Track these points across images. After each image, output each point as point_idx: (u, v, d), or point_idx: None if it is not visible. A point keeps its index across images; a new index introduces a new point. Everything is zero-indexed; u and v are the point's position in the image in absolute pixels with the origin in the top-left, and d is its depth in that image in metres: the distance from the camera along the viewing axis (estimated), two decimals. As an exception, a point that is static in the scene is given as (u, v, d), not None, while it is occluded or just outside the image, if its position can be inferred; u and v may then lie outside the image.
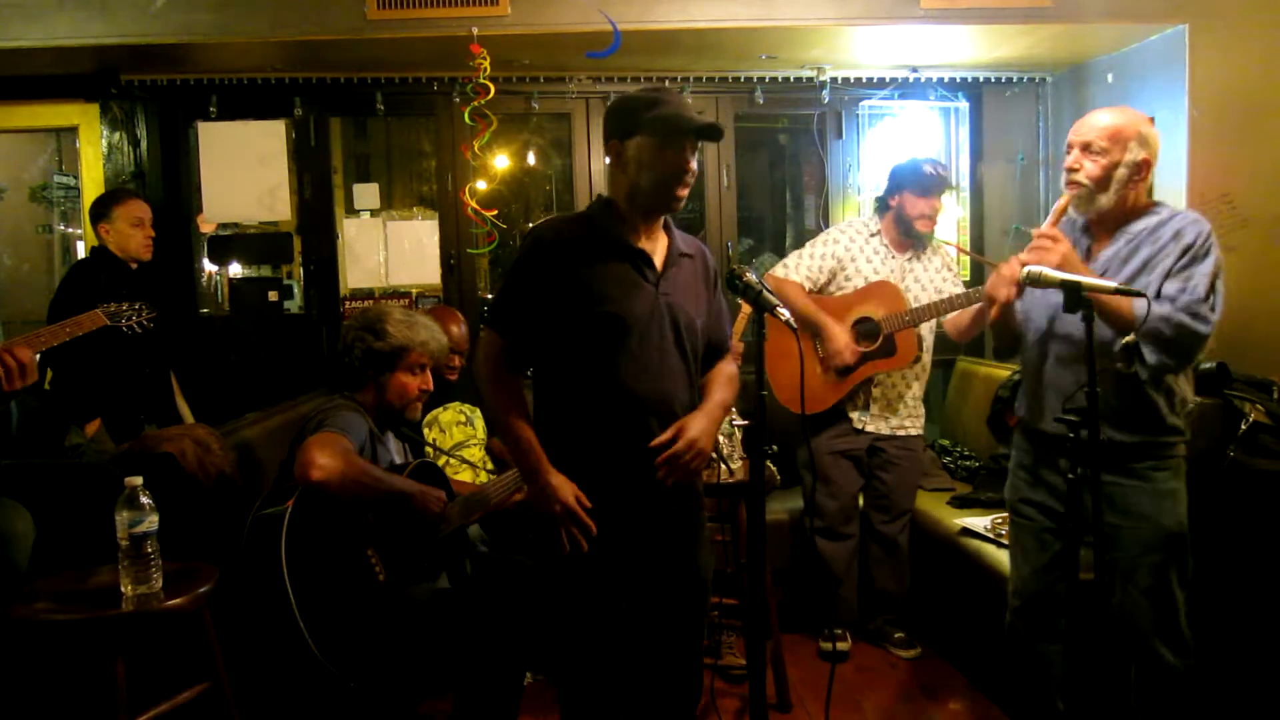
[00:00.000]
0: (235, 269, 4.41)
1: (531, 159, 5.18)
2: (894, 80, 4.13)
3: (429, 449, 2.90)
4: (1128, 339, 2.07)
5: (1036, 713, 2.42)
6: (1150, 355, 2.10)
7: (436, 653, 2.31)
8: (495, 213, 3.64)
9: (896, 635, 3.32)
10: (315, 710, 2.28)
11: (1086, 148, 2.21)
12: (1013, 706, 2.75)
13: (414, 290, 4.27)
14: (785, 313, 1.87)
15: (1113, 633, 2.18)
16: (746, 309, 3.21)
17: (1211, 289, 2.10)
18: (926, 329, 3.28)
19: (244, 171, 4.05)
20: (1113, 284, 2.01)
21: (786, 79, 4.14)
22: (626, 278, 1.97)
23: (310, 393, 3.58)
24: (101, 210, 3.35)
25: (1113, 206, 2.21)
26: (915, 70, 4.09)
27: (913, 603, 3.40)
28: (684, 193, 1.97)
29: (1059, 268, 2.07)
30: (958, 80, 4.19)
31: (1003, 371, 3.66)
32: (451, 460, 3.04)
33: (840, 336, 3.17)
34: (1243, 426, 2.77)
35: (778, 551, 3.49)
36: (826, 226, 3.76)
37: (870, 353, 3.21)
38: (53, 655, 2.26)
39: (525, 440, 1.97)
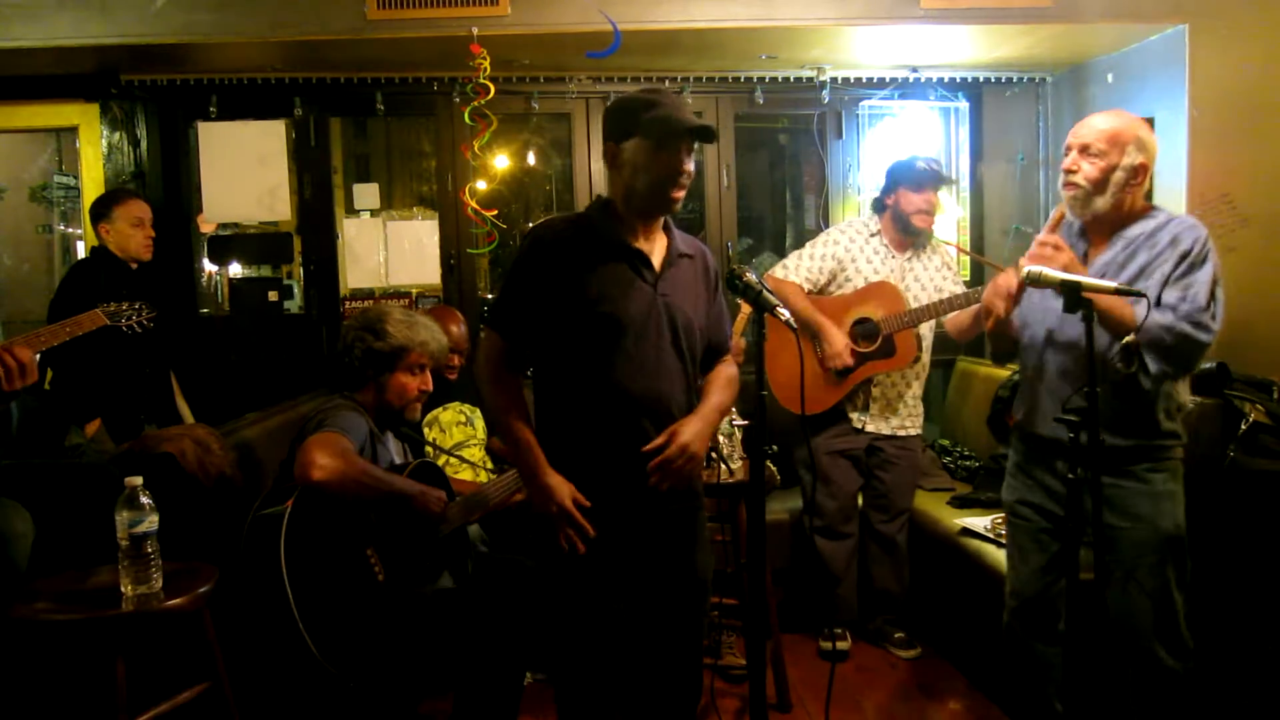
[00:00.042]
0: (235, 269, 4.41)
1: (531, 159, 5.18)
2: (894, 80, 4.13)
3: (429, 448, 2.90)
4: (1127, 339, 2.07)
5: (1035, 713, 2.42)
6: (1153, 364, 2.11)
7: (436, 653, 2.31)
8: (495, 213, 3.64)
9: (896, 635, 3.32)
10: (315, 710, 2.28)
11: (1085, 150, 2.21)
12: (1012, 707, 2.75)
13: (414, 290, 4.27)
14: (785, 313, 1.87)
15: (1111, 634, 2.19)
16: (746, 309, 3.21)
17: (1212, 297, 2.11)
18: (926, 329, 3.28)
19: (244, 171, 4.05)
20: (1113, 284, 2.01)
21: (786, 79, 4.14)
22: (623, 278, 1.97)
23: (310, 393, 3.58)
24: (102, 210, 3.35)
25: (1109, 209, 2.22)
26: (915, 70, 4.09)
27: (913, 603, 3.40)
28: (680, 194, 1.97)
29: None
30: (958, 80, 4.19)
31: (1003, 371, 3.66)
32: (451, 460, 3.04)
33: (838, 339, 3.17)
34: (1243, 426, 2.77)
35: (778, 551, 3.49)
36: (826, 226, 3.76)
37: (870, 353, 3.21)
38: (53, 655, 2.26)
39: (524, 440, 1.98)
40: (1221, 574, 2.67)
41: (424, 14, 3.35)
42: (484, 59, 3.39)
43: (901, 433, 3.32)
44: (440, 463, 2.80)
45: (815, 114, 4.25)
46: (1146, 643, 2.22)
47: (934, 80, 4.16)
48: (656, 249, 2.04)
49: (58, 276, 4.68)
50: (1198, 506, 2.35)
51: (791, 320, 1.87)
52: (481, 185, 3.94)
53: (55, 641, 2.20)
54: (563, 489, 1.95)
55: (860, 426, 3.29)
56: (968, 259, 4.23)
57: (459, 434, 3.17)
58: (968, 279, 4.00)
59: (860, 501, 3.39)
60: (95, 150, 3.99)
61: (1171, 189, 3.42)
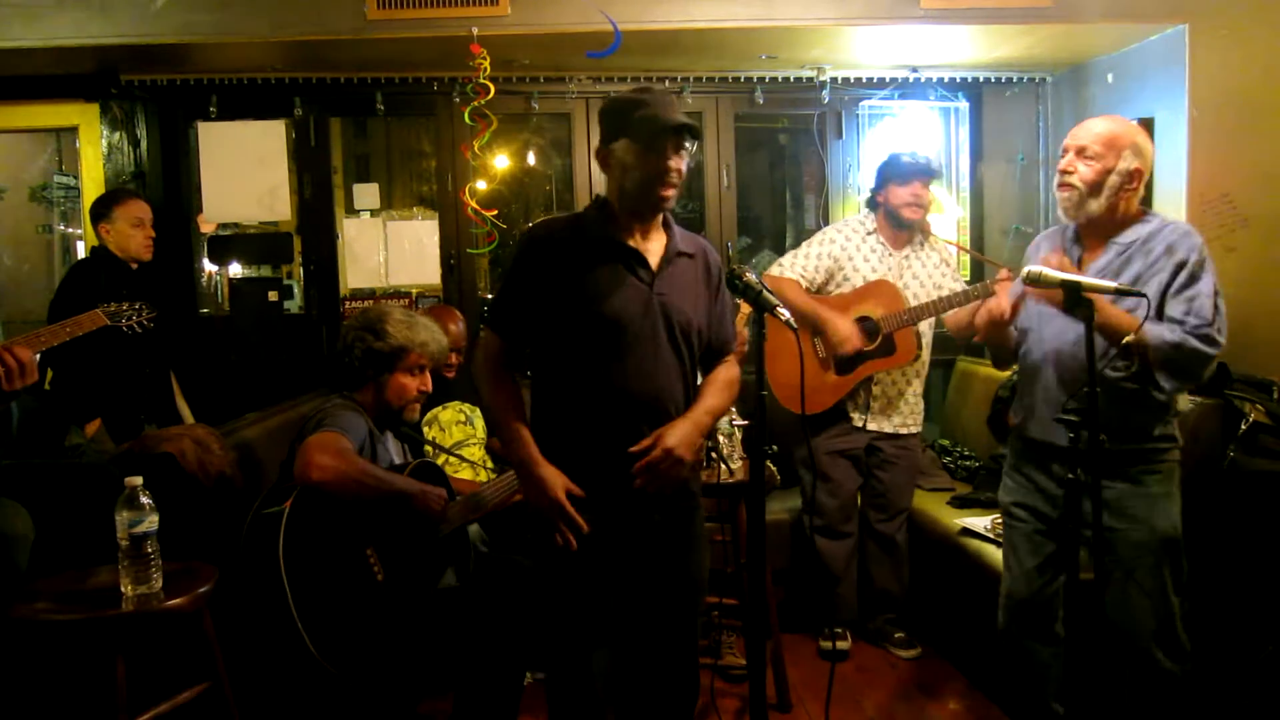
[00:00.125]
0: (235, 269, 4.41)
1: (531, 159, 5.18)
2: (894, 80, 4.13)
3: (428, 447, 2.90)
4: (1128, 339, 2.07)
5: (1033, 714, 2.42)
6: (1166, 382, 2.13)
7: (436, 652, 2.31)
8: (495, 213, 3.64)
9: (897, 635, 3.32)
10: (315, 710, 2.28)
11: (1081, 152, 2.22)
12: (1012, 707, 2.75)
13: (414, 290, 4.27)
14: (785, 312, 1.87)
15: (1109, 636, 2.19)
16: (746, 308, 3.21)
17: (1216, 308, 2.11)
18: (926, 326, 3.28)
19: (244, 171, 4.05)
20: (1113, 284, 2.01)
21: (786, 79, 4.14)
22: (619, 277, 1.97)
23: (310, 393, 3.58)
24: (102, 210, 3.35)
25: (1103, 213, 2.22)
26: (915, 70, 4.09)
27: (913, 603, 3.40)
28: (669, 193, 1.96)
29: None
30: (958, 80, 4.19)
31: (1003, 372, 3.66)
32: (451, 459, 3.04)
33: (842, 325, 3.17)
34: (1243, 426, 2.77)
35: (778, 551, 3.49)
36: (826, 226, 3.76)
37: (870, 352, 3.21)
38: (53, 655, 2.26)
39: (518, 435, 1.98)
40: (1221, 574, 2.68)
41: (424, 14, 3.35)
42: (484, 59, 3.39)
43: (903, 431, 3.32)
44: (440, 462, 2.80)
45: (815, 114, 4.25)
46: (1144, 645, 2.22)
47: (934, 80, 4.16)
48: (655, 248, 2.04)
49: (58, 276, 4.68)
50: (1198, 507, 2.36)
51: (791, 320, 1.87)
52: (481, 185, 3.94)
53: (55, 641, 2.20)
54: (556, 481, 1.94)
55: (861, 425, 3.29)
56: (968, 258, 4.23)
57: (459, 433, 3.17)
58: (968, 278, 4.00)
59: (859, 501, 3.39)
60: (95, 150, 3.99)
61: (1171, 189, 3.42)
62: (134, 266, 3.39)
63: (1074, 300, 1.96)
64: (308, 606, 2.05)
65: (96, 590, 2.07)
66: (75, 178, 4.37)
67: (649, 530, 2.04)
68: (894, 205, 3.22)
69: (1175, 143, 3.40)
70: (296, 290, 4.47)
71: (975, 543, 3.03)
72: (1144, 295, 2.02)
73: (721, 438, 2.67)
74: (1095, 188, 2.20)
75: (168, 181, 4.08)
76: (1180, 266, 2.14)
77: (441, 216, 4.20)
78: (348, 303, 4.19)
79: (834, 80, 4.09)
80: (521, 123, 4.60)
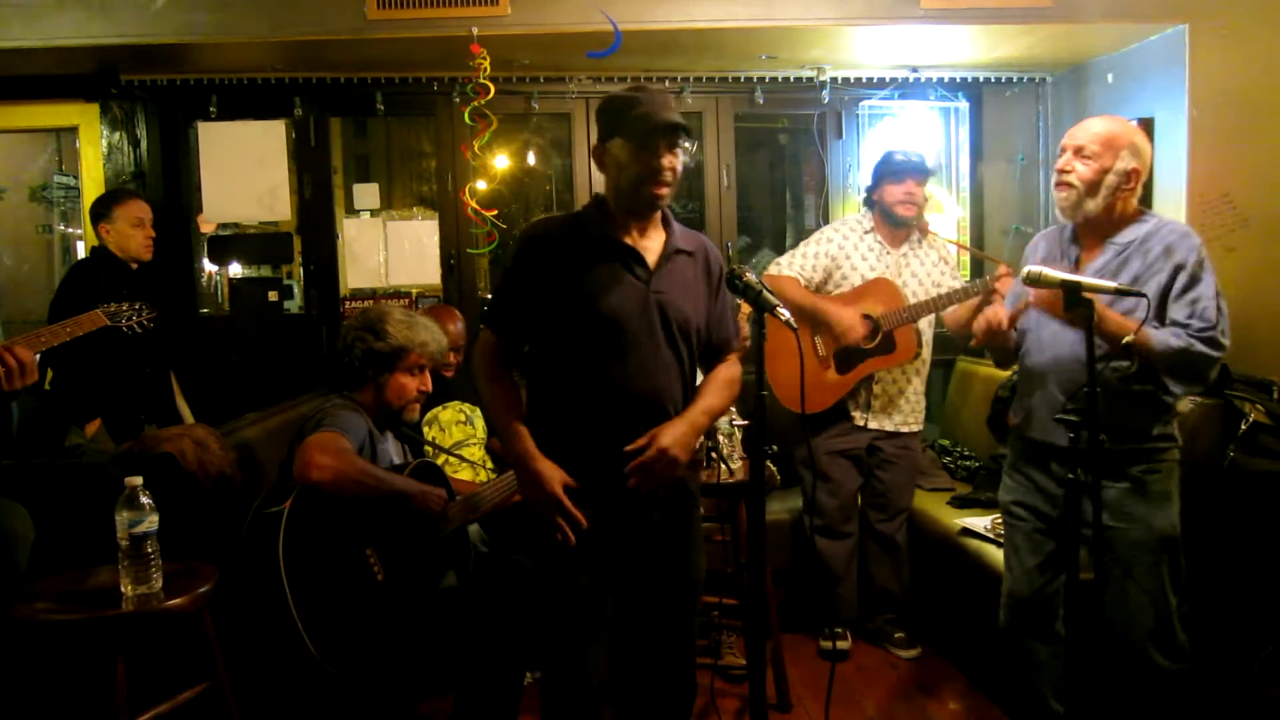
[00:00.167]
0: (235, 269, 4.41)
1: (531, 159, 5.18)
2: (894, 80, 4.13)
3: (428, 447, 2.90)
4: (1128, 339, 2.07)
5: (1033, 713, 2.42)
6: (1175, 386, 2.14)
7: (436, 652, 2.31)
8: (495, 213, 3.64)
9: (897, 635, 3.32)
10: (315, 710, 2.28)
11: (1079, 151, 2.22)
12: (1012, 706, 2.75)
13: (414, 290, 4.27)
14: (785, 312, 1.87)
15: (1107, 635, 2.19)
16: (746, 308, 3.21)
17: (1219, 310, 2.11)
18: (925, 324, 3.29)
19: (244, 171, 4.04)
20: (1112, 285, 2.01)
21: (786, 79, 4.14)
22: (615, 275, 1.97)
23: (310, 393, 3.58)
24: (102, 210, 3.35)
25: (1100, 213, 2.22)
26: (915, 70, 4.09)
27: (913, 603, 3.40)
28: (663, 191, 1.96)
29: None
30: (958, 80, 4.19)
31: (1003, 372, 3.65)
32: (451, 459, 3.04)
33: (845, 315, 3.17)
34: (1243, 426, 2.77)
35: (778, 551, 3.49)
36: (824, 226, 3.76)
37: (869, 350, 3.21)
38: (53, 655, 2.25)
39: (516, 433, 1.98)
40: (1221, 574, 2.68)
41: (424, 14, 3.35)
42: (484, 59, 3.39)
43: (904, 429, 3.32)
44: (440, 462, 2.80)
45: (815, 114, 4.25)
46: (1140, 643, 2.22)
47: (934, 80, 4.16)
48: (653, 245, 2.03)
49: (58, 276, 4.68)
50: (1198, 506, 2.36)
51: (791, 320, 1.87)
52: (481, 185, 3.93)
53: (55, 641, 2.20)
54: (553, 475, 1.94)
55: (863, 424, 3.29)
56: (967, 257, 4.23)
57: (458, 433, 3.17)
58: (968, 277, 4.00)
59: (859, 501, 3.39)
60: (95, 150, 3.99)
61: (1171, 189, 3.42)
62: (134, 266, 3.39)
63: (1074, 301, 1.96)
64: (307, 606, 2.05)
65: (96, 590, 2.07)
66: (75, 178, 4.37)
67: (647, 529, 2.04)
68: (888, 203, 3.24)
69: (1175, 143, 3.40)
70: (296, 290, 4.47)
71: (975, 543, 3.03)
72: (1144, 295, 2.02)
73: (721, 438, 2.67)
74: (1093, 187, 2.21)
75: (168, 181, 4.08)
76: (1179, 268, 2.14)
77: (441, 216, 4.20)
78: (348, 303, 4.19)
79: (834, 80, 4.09)
80: (521, 123, 4.60)
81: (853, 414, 3.29)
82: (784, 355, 3.11)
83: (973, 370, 4.05)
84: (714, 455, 2.59)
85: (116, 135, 3.97)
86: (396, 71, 3.97)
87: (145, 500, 1.99)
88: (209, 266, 4.43)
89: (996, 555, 2.84)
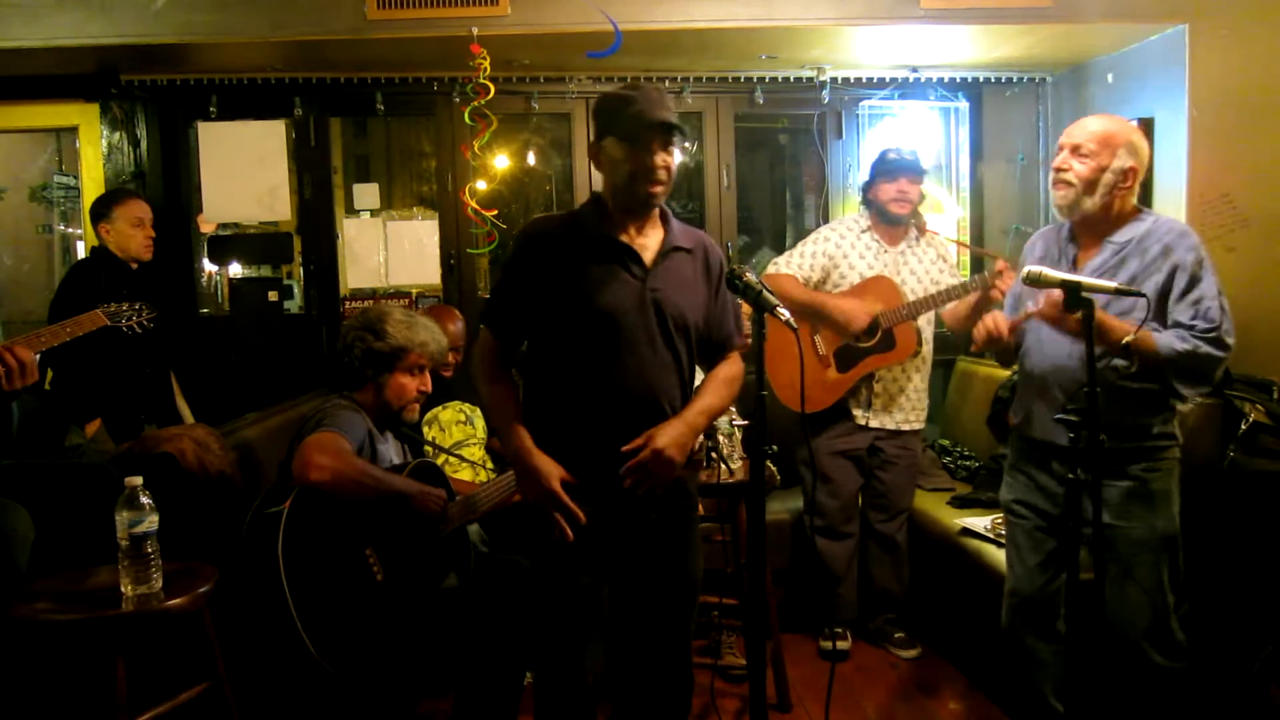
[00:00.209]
0: (235, 269, 4.41)
1: (531, 159, 5.18)
2: (894, 80, 4.13)
3: (428, 447, 2.90)
4: (1128, 339, 2.07)
5: (1033, 712, 2.42)
6: (1185, 390, 2.14)
7: (436, 653, 2.31)
8: (495, 213, 3.64)
9: (897, 635, 3.33)
10: (315, 710, 2.28)
11: (1075, 150, 2.23)
12: (1012, 706, 2.75)
13: (414, 290, 4.28)
14: (785, 312, 1.86)
15: (1106, 634, 2.19)
16: (746, 309, 3.21)
17: (1222, 309, 2.12)
18: (925, 322, 3.29)
19: (244, 171, 4.04)
20: (1112, 284, 2.01)
21: (786, 79, 4.14)
22: (610, 273, 1.97)
23: (310, 393, 3.58)
24: (102, 210, 3.35)
25: (1098, 211, 2.23)
26: (915, 70, 4.09)
27: (913, 603, 3.40)
28: (657, 189, 1.95)
29: None
30: (958, 80, 4.19)
31: (1003, 371, 3.66)
32: (451, 459, 3.04)
33: (846, 303, 3.18)
34: (1243, 426, 2.77)
35: (778, 551, 3.49)
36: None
37: (869, 347, 3.21)
38: (53, 655, 2.26)
39: (514, 430, 1.98)
40: (1221, 574, 2.68)
41: (424, 14, 3.35)
42: (484, 59, 3.39)
43: (906, 427, 3.32)
44: (440, 462, 2.80)
45: (815, 114, 4.25)
46: (1138, 641, 2.22)
47: (934, 80, 4.16)
48: (650, 243, 2.03)
49: (58, 276, 4.68)
50: (1197, 506, 2.36)
51: (791, 320, 1.87)
52: (481, 185, 3.94)
53: (55, 641, 2.20)
54: (551, 471, 1.93)
55: (865, 423, 3.29)
56: (967, 257, 4.23)
57: (459, 433, 3.17)
58: (967, 276, 4.00)
59: (860, 501, 3.39)
60: (95, 150, 3.99)
61: (1171, 189, 3.42)
62: (134, 266, 3.39)
63: (1074, 301, 1.96)
64: (307, 607, 2.05)
65: (96, 590, 2.07)
66: (75, 178, 4.37)
67: (644, 528, 2.04)
68: (882, 201, 3.25)
69: (1175, 143, 3.40)
70: (296, 290, 4.47)
71: (975, 543, 3.03)
72: (1144, 295, 2.02)
73: (721, 438, 2.66)
74: (1090, 185, 2.21)
75: (168, 181, 4.08)
76: (1178, 268, 2.14)
77: (441, 216, 4.20)
78: (348, 303, 4.19)
79: (834, 80, 4.09)
80: (521, 123, 4.60)
81: (854, 412, 3.29)
82: (784, 355, 3.11)
83: (973, 370, 4.05)
84: (714, 455, 2.59)
85: (116, 135, 3.97)
86: (396, 71, 3.97)
87: (145, 500, 1.99)
88: (209, 266, 4.43)
89: (996, 555, 2.84)
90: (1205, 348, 2.09)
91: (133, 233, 3.35)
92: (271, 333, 4.17)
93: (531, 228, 2.08)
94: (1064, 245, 2.33)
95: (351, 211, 4.32)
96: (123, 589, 1.99)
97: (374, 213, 4.29)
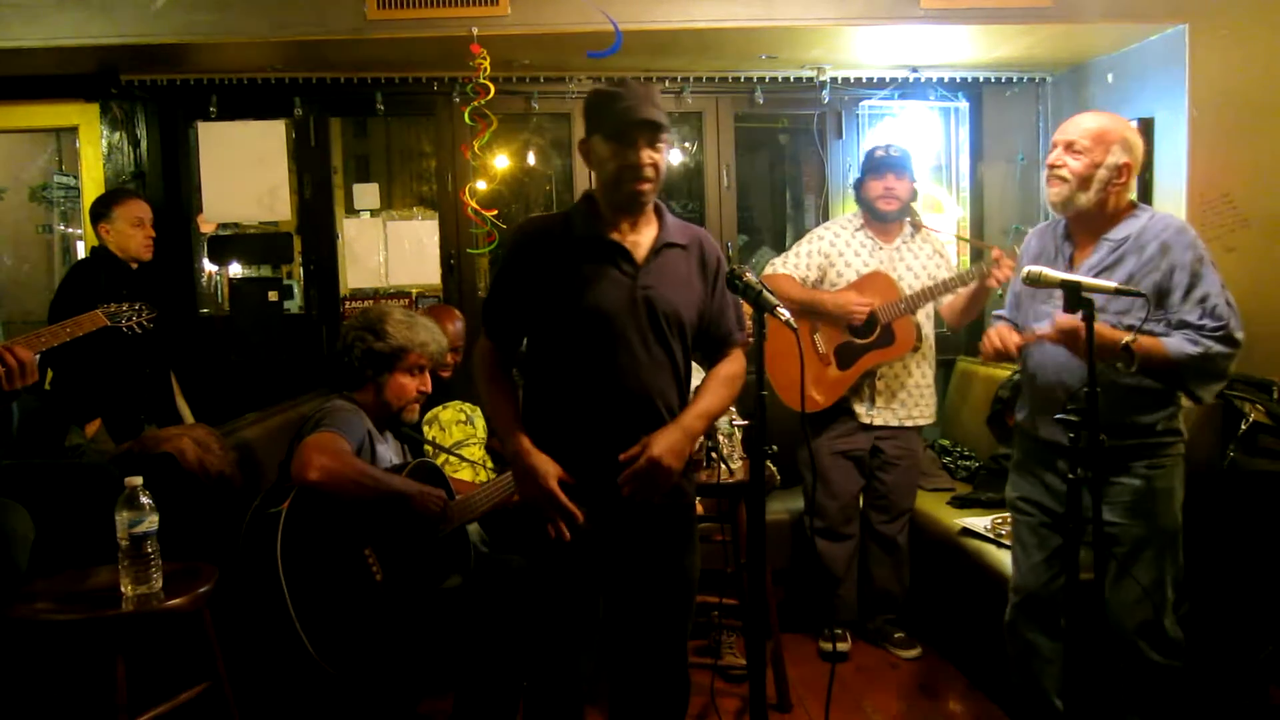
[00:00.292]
0: (235, 269, 4.41)
1: (531, 159, 5.18)
2: (894, 80, 4.13)
3: (428, 447, 2.90)
4: (1128, 339, 2.07)
5: (1034, 711, 2.42)
6: (1202, 392, 2.14)
7: (436, 653, 2.31)
8: (495, 213, 3.64)
9: (897, 635, 3.33)
10: (315, 710, 2.28)
11: (1069, 146, 2.23)
12: (1012, 706, 2.75)
13: (414, 290, 4.28)
14: (785, 313, 1.86)
15: (1106, 631, 2.19)
16: (746, 309, 3.21)
17: (1228, 305, 2.11)
18: (924, 317, 3.30)
19: (244, 171, 4.04)
20: (1112, 285, 2.01)
21: (786, 79, 4.14)
22: (600, 272, 1.96)
23: (310, 393, 3.58)
24: (102, 210, 3.35)
25: (1093, 208, 2.23)
26: (915, 70, 4.09)
27: (913, 603, 3.40)
28: (644, 186, 1.93)
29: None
30: (958, 80, 4.19)
31: (1003, 371, 3.65)
32: (451, 459, 3.04)
33: (842, 295, 3.19)
34: (1243, 426, 2.77)
35: (778, 551, 3.49)
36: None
37: (869, 343, 3.22)
38: (53, 655, 2.26)
39: (512, 430, 1.98)
40: (1221, 574, 2.67)
41: (424, 14, 3.35)
42: (484, 59, 3.39)
43: (909, 423, 3.32)
44: (440, 461, 2.80)
45: (815, 114, 4.25)
46: (1134, 638, 2.22)
47: (934, 80, 4.16)
48: (642, 240, 2.01)
49: (58, 276, 4.68)
50: (1197, 506, 2.35)
51: (791, 320, 1.86)
52: (481, 185, 3.94)
53: (55, 641, 2.20)
54: (548, 470, 1.93)
55: (869, 421, 3.29)
56: (966, 256, 4.22)
57: (459, 432, 3.17)
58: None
59: (861, 502, 3.39)
60: (95, 150, 3.99)
61: (1171, 189, 3.42)
62: (134, 266, 3.39)
63: (1074, 301, 1.95)
64: (306, 607, 2.05)
65: (96, 590, 2.07)
66: (75, 178, 4.37)
67: (641, 528, 2.03)
68: (870, 198, 3.29)
69: (1175, 143, 3.40)
70: (296, 290, 4.47)
71: (975, 543, 3.03)
72: (1143, 295, 2.02)
73: (721, 437, 2.66)
74: (1084, 181, 2.21)
75: (168, 181, 4.08)
76: (1177, 268, 2.14)
77: (441, 216, 4.20)
78: (348, 303, 4.19)
79: (834, 80, 4.09)
80: (521, 123, 4.60)
81: (856, 410, 3.29)
82: (785, 354, 3.11)
83: (973, 370, 4.05)
84: (714, 455, 2.59)
85: (116, 135, 3.97)
86: (396, 71, 3.97)
87: (145, 500, 1.99)
88: (209, 266, 4.43)
89: (997, 555, 2.84)
90: (1217, 347, 2.09)
91: (133, 233, 3.35)
92: (271, 333, 4.16)
93: (523, 228, 2.08)
94: (1060, 243, 2.33)
95: (351, 211, 4.32)
96: (123, 589, 1.99)
97: (374, 213, 4.29)
